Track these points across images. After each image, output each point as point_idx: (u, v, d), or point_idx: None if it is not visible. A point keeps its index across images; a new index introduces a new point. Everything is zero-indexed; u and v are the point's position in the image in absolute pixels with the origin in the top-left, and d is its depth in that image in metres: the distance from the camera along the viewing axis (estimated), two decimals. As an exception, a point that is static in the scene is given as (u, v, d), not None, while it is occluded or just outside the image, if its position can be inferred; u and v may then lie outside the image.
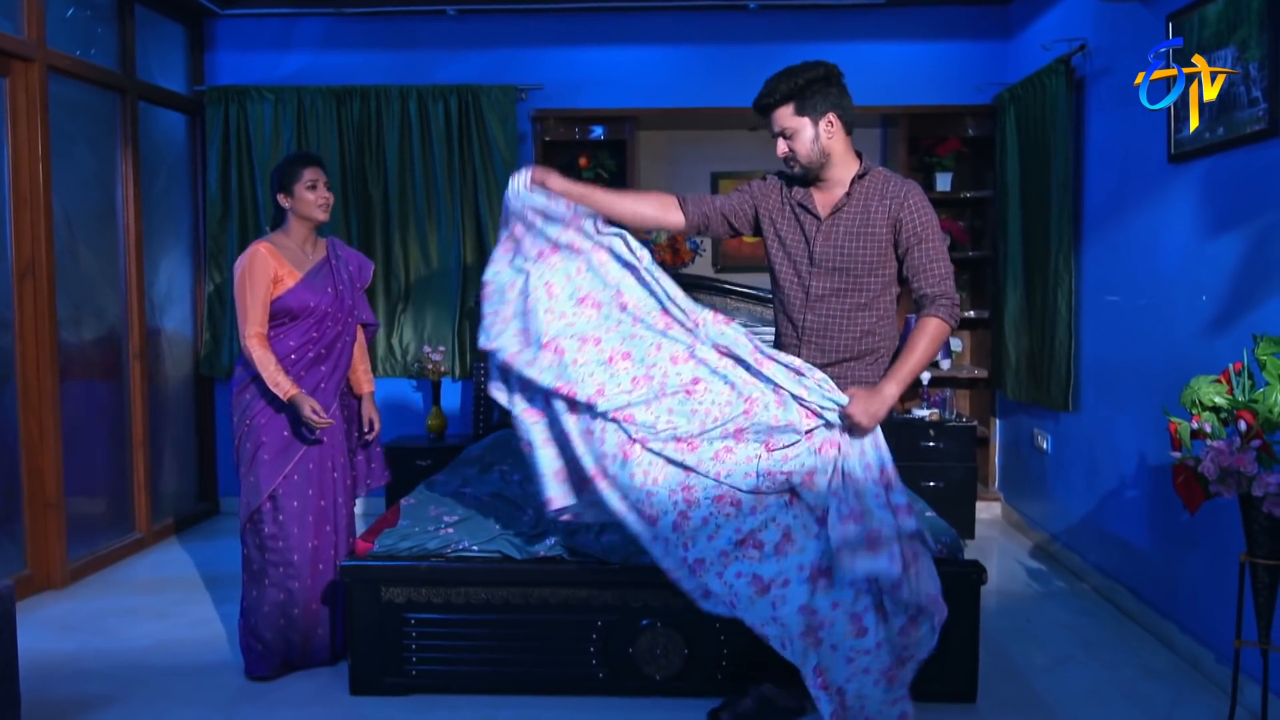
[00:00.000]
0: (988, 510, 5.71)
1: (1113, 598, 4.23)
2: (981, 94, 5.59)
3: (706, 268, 5.97)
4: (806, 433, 2.73)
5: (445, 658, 3.31)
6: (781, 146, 2.86)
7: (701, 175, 5.97)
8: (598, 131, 5.66)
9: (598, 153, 5.73)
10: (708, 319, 2.82)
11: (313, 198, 3.46)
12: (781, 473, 2.71)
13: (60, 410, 4.46)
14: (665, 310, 2.84)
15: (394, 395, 5.87)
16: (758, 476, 2.71)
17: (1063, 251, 4.65)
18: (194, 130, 5.75)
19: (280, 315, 3.43)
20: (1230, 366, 2.85)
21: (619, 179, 5.73)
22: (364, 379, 3.75)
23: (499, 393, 2.97)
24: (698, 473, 2.73)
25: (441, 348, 5.52)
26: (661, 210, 3.00)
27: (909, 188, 2.85)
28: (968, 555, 3.35)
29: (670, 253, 5.59)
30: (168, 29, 5.55)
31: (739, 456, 2.73)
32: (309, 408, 3.32)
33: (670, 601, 3.14)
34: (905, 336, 2.84)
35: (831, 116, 2.81)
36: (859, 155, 2.91)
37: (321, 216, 3.50)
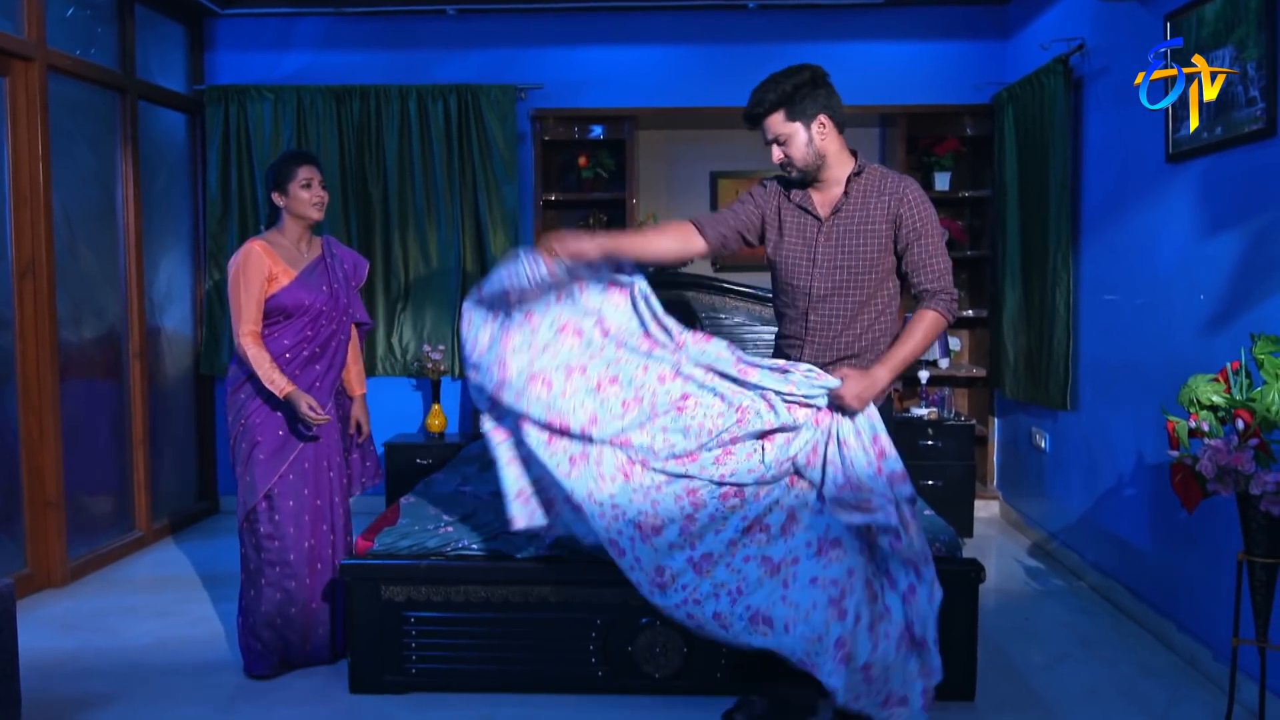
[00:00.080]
0: (986, 509, 5.72)
1: (1111, 596, 4.24)
2: (980, 93, 5.59)
3: (706, 267, 5.97)
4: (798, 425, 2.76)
5: (445, 656, 3.32)
6: (776, 153, 2.87)
7: (701, 175, 5.98)
8: (597, 131, 5.67)
9: (597, 152, 5.74)
10: (688, 340, 2.84)
11: (307, 196, 3.45)
12: (786, 459, 2.73)
13: (60, 409, 4.47)
14: (647, 333, 2.85)
15: (394, 394, 5.88)
16: (764, 467, 2.73)
17: (1061, 251, 4.66)
18: (194, 130, 5.75)
19: (275, 313, 3.42)
20: (1228, 365, 2.86)
21: (618, 178, 5.75)
22: (356, 381, 3.74)
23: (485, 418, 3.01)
24: (700, 479, 2.74)
25: (441, 347, 5.53)
26: (683, 241, 3.00)
27: (906, 183, 2.86)
28: (966, 554, 3.36)
29: (669, 252, 5.59)
30: (168, 28, 5.55)
31: (739, 456, 2.75)
32: (305, 404, 3.32)
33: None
34: None
35: (823, 118, 2.81)
36: (854, 153, 2.92)
37: (316, 215, 3.49)
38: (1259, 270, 3.19)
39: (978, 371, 5.73)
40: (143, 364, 5.14)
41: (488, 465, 4.35)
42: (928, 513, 3.62)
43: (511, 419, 2.93)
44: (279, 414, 3.44)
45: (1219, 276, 3.41)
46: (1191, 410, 2.84)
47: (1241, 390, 2.78)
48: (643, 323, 2.83)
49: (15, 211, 4.31)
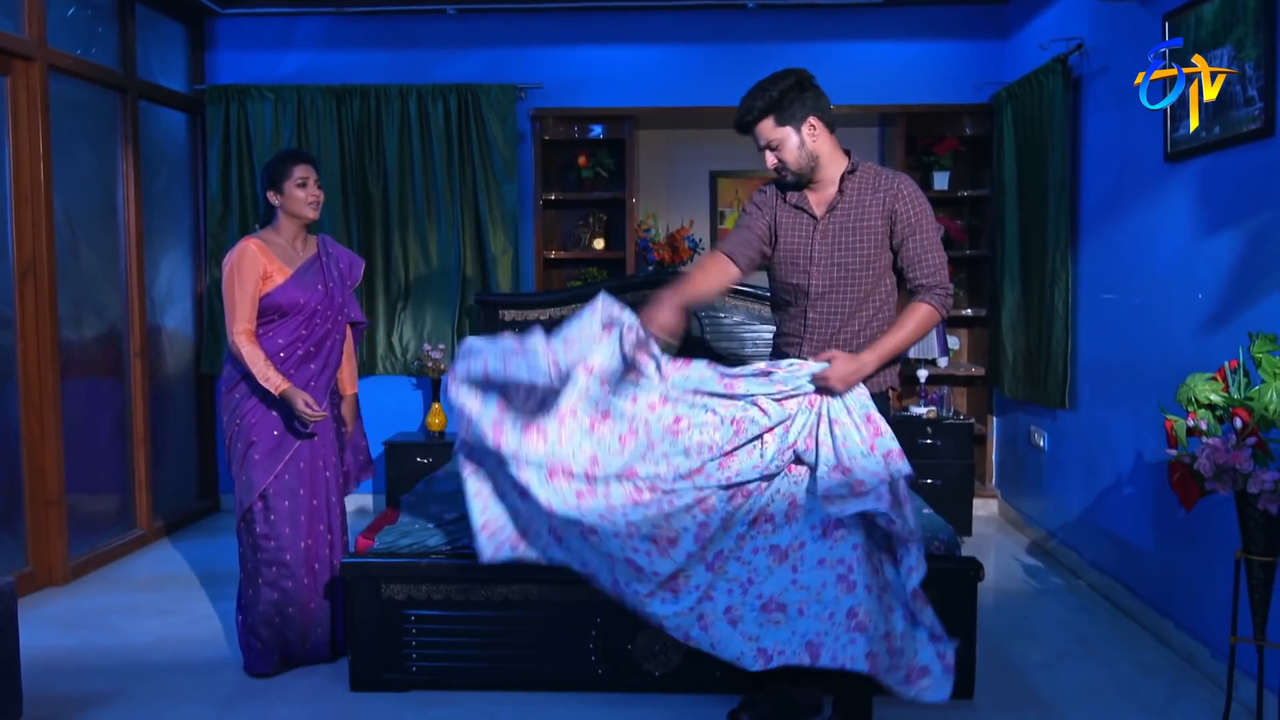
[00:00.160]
0: (985, 507, 5.73)
1: (1109, 594, 4.25)
2: (979, 93, 5.60)
3: (705, 266, 5.97)
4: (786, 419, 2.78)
5: (445, 654, 3.33)
6: (770, 159, 2.89)
7: (700, 174, 5.99)
8: (597, 130, 5.68)
9: (597, 152, 5.75)
10: (670, 370, 2.85)
11: (302, 195, 3.44)
12: (786, 447, 2.74)
13: (61, 408, 4.48)
14: (630, 368, 2.85)
15: (394, 393, 5.89)
16: (766, 461, 2.74)
17: (1060, 250, 4.67)
18: (194, 129, 5.76)
19: (269, 312, 3.41)
20: (1226, 364, 2.86)
21: (618, 178, 5.76)
22: (348, 380, 3.73)
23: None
24: (709, 487, 2.75)
25: (441, 345, 5.54)
26: (723, 275, 3.01)
27: (901, 180, 2.88)
28: (965, 552, 3.36)
29: (669, 251, 5.61)
30: (168, 28, 5.56)
31: (740, 457, 2.78)
32: (302, 401, 3.31)
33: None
34: None
35: (812, 120, 2.83)
36: (847, 153, 2.93)
37: (311, 214, 3.48)
38: (1257, 269, 3.20)
39: (976, 370, 5.74)
40: (143, 363, 5.14)
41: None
42: (926, 511, 3.63)
43: (481, 454, 2.93)
44: (274, 413, 3.44)
45: (1217, 276, 3.42)
46: (1190, 409, 2.85)
47: (1239, 389, 2.79)
48: (625, 359, 2.83)
49: (16, 211, 4.32)
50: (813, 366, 2.77)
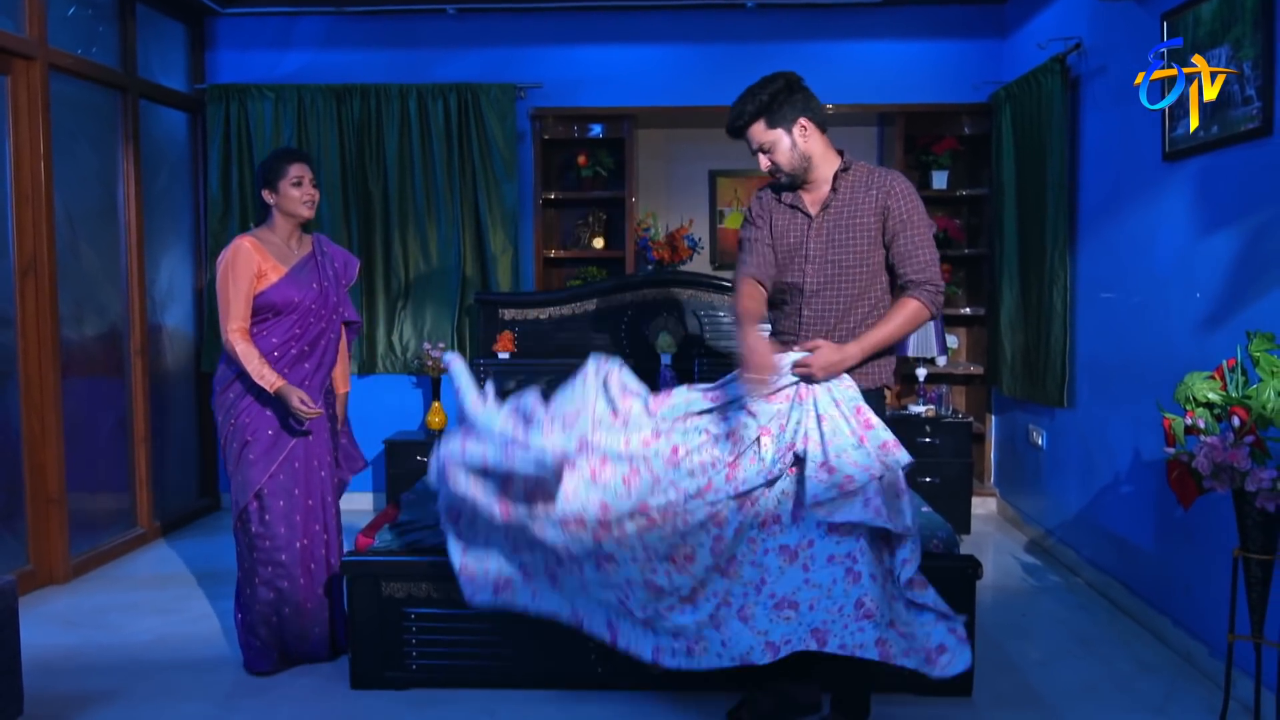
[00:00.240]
0: (983, 506, 5.74)
1: (1107, 592, 4.26)
2: (977, 92, 5.61)
3: (704, 265, 5.99)
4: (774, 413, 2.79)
5: (445, 652, 3.34)
6: (763, 161, 2.92)
7: (699, 174, 6.00)
8: (596, 130, 5.68)
9: (596, 151, 5.76)
10: (655, 406, 2.87)
11: (297, 194, 3.44)
12: (784, 446, 2.74)
13: (62, 406, 4.49)
14: (616, 411, 2.85)
15: (394, 392, 5.90)
16: (768, 464, 2.75)
17: (1058, 249, 4.68)
18: (195, 128, 5.77)
19: (264, 310, 3.40)
20: (1224, 363, 2.87)
21: (617, 177, 5.76)
22: (341, 379, 3.72)
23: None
24: (720, 499, 2.75)
25: (441, 344, 5.55)
26: (760, 294, 3.03)
27: (894, 177, 2.89)
28: (963, 550, 3.37)
29: (668, 250, 5.62)
30: (169, 27, 5.57)
31: (743, 464, 2.77)
32: (297, 398, 3.31)
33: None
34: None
35: (803, 121, 2.85)
36: (840, 153, 2.95)
37: (306, 213, 3.47)
38: (1255, 268, 3.20)
39: (975, 369, 5.75)
40: (144, 362, 5.15)
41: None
42: (925, 509, 3.63)
43: (460, 504, 2.94)
44: (269, 412, 3.43)
45: (1215, 274, 3.43)
46: (1188, 407, 2.86)
47: (1237, 387, 2.79)
48: (611, 402, 2.83)
49: (17, 210, 4.32)
50: (794, 355, 2.78)
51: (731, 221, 5.98)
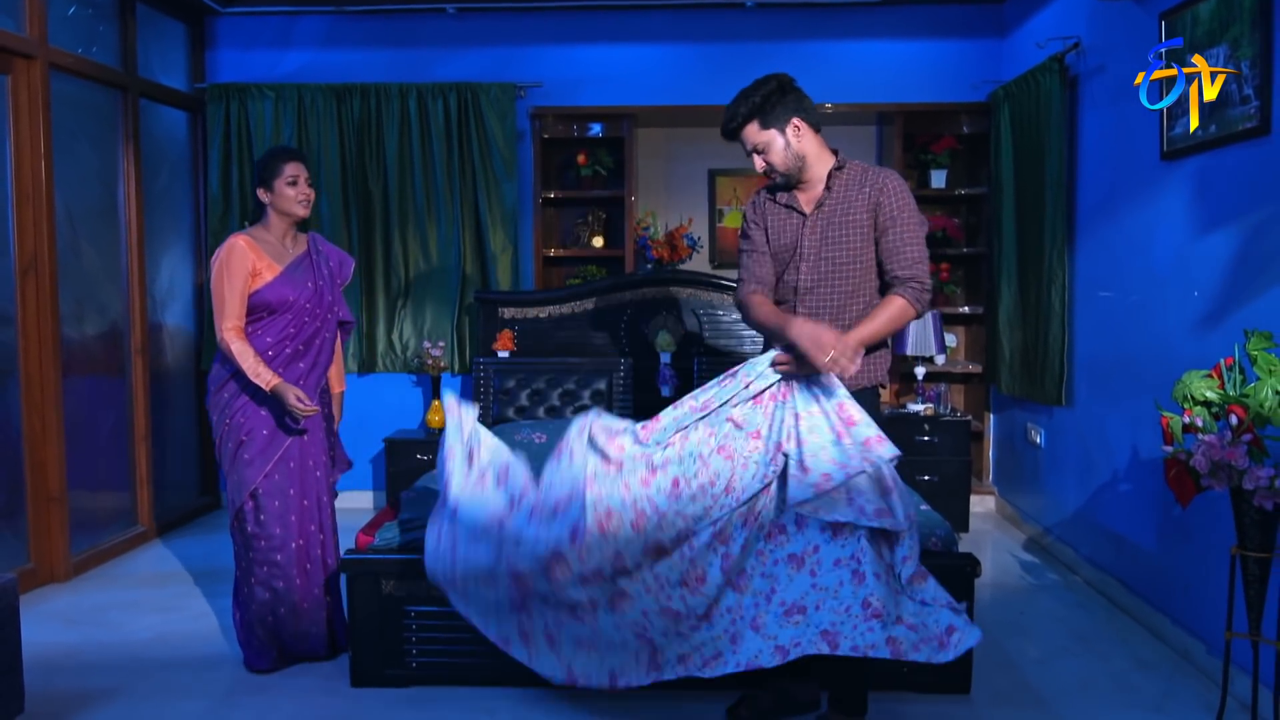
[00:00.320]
0: (982, 504, 5.75)
1: (1105, 590, 4.27)
2: (976, 92, 5.62)
3: (704, 264, 6.00)
4: (755, 396, 2.80)
5: (445, 650, 3.34)
6: (758, 162, 2.94)
7: (699, 173, 6.00)
8: (596, 129, 5.69)
9: (596, 150, 5.76)
10: (644, 436, 2.86)
11: (293, 193, 3.43)
12: (773, 446, 2.74)
13: (63, 405, 4.50)
14: (607, 459, 2.83)
15: (394, 391, 5.90)
16: (761, 468, 2.75)
17: (1056, 248, 4.69)
18: (195, 127, 5.77)
19: (258, 309, 3.39)
20: (1221, 361, 2.88)
21: (617, 176, 5.77)
22: (335, 378, 3.72)
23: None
24: (723, 516, 2.75)
25: (441, 343, 5.56)
26: (772, 303, 3.02)
27: (887, 174, 2.90)
28: (962, 548, 3.39)
29: (668, 249, 5.62)
30: (169, 26, 5.57)
31: (740, 471, 2.78)
32: (293, 396, 3.30)
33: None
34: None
35: (796, 121, 2.87)
36: (835, 152, 2.96)
37: (301, 212, 3.47)
38: (1253, 267, 3.21)
39: (974, 367, 5.76)
40: (144, 360, 5.16)
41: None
42: (924, 507, 3.64)
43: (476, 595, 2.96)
44: (264, 411, 3.43)
45: (1213, 273, 3.44)
46: (1185, 406, 2.87)
47: (1235, 386, 2.80)
48: (600, 453, 2.82)
49: (18, 209, 4.33)
50: (773, 353, 2.79)
51: (731, 220, 5.98)
